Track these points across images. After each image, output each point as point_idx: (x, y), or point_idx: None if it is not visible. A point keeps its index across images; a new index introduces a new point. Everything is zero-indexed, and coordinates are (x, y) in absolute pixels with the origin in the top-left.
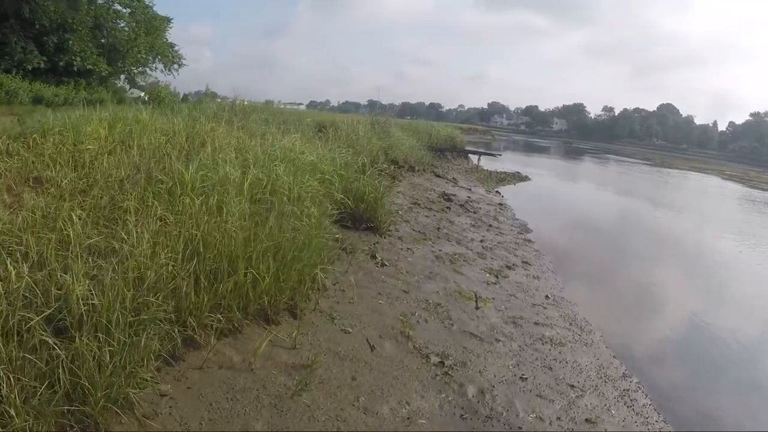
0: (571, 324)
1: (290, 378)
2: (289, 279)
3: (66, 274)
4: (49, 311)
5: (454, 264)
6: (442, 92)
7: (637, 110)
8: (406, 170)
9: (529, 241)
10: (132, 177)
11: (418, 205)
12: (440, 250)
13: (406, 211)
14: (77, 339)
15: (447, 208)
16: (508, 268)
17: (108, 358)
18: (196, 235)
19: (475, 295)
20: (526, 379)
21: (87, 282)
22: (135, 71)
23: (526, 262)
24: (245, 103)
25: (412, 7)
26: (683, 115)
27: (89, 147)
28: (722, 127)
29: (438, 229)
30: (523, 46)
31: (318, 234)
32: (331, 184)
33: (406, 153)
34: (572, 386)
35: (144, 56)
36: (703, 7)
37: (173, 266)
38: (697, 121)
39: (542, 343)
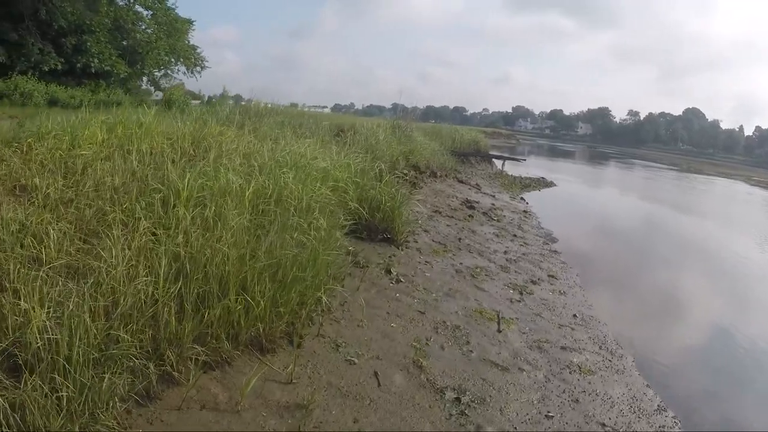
0: (600, 347)
1: (282, 421)
2: (289, 302)
3: (26, 300)
4: (3, 345)
5: (476, 279)
6: (467, 95)
7: (662, 114)
8: (428, 176)
9: (555, 252)
10: (126, 185)
11: (439, 213)
12: (461, 263)
13: (426, 220)
14: (26, 381)
15: (470, 216)
16: (533, 282)
17: (64, 403)
18: (185, 253)
19: (498, 316)
20: (552, 417)
21: (47, 311)
22: (156, 74)
23: (552, 276)
24: (268, 105)
25: (438, 9)
26: (709, 120)
27: (83, 152)
28: (749, 131)
29: (459, 239)
30: (549, 48)
31: (325, 249)
32: (346, 193)
33: (428, 158)
34: (603, 425)
35: (165, 58)
36: (730, 9)
37: (154, 290)
38: (723, 126)
39: (570, 372)
